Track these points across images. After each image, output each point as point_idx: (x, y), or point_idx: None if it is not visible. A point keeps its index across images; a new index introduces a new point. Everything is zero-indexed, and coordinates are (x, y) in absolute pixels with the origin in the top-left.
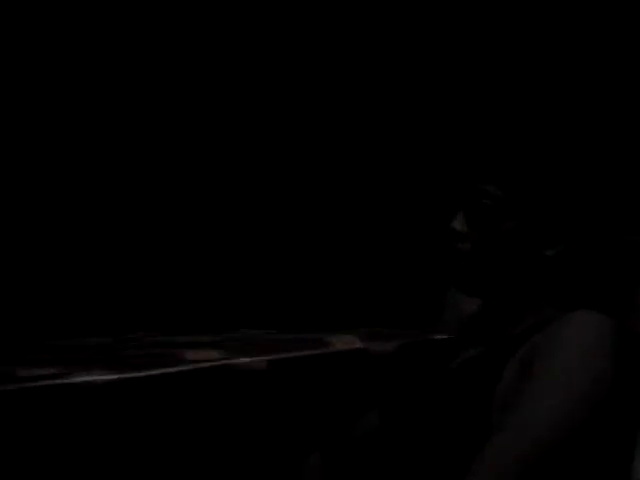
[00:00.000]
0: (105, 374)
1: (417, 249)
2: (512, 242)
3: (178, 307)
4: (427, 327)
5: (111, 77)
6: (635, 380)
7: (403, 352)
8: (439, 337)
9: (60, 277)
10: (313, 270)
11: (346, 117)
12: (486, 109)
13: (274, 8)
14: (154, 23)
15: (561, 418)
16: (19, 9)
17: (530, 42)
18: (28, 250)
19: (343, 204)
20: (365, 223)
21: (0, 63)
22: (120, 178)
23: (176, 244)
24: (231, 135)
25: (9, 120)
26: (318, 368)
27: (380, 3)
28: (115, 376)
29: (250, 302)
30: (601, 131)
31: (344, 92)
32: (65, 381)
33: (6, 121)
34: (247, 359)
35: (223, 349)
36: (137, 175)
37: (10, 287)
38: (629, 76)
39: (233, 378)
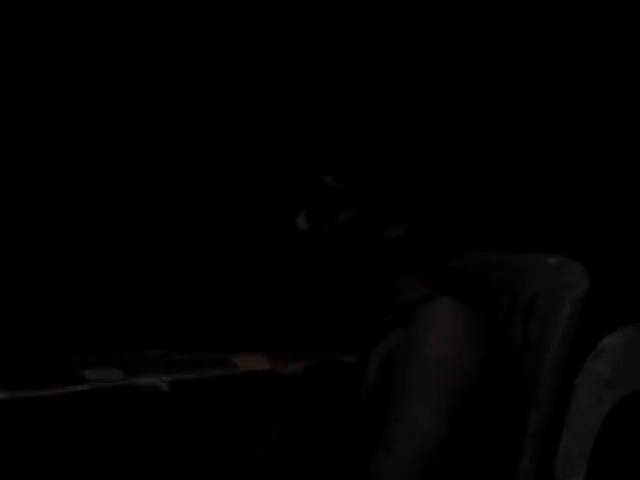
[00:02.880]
0: None
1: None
2: (353, 231)
3: (80, 327)
4: (330, 348)
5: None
6: (504, 363)
7: (310, 375)
8: (346, 360)
9: None
10: (212, 289)
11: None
12: (317, 99)
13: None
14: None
15: (438, 420)
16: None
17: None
18: None
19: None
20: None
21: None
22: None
23: (76, 263)
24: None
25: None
26: (223, 390)
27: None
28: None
29: (153, 322)
30: (427, 117)
31: None
32: None
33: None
34: (148, 379)
35: (124, 369)
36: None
37: None
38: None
39: (134, 399)
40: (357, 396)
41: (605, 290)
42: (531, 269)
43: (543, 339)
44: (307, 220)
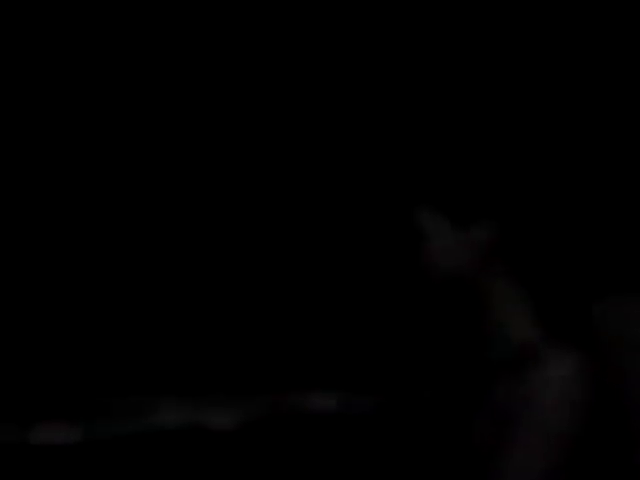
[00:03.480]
0: None
1: None
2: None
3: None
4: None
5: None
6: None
7: (382, 413)
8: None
9: None
10: (283, 329)
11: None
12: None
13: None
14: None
15: (543, 467)
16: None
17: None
18: None
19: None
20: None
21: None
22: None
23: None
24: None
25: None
26: (297, 430)
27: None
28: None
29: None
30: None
31: None
32: None
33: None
34: (219, 418)
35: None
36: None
37: None
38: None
39: (204, 438)
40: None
41: None
42: None
43: None
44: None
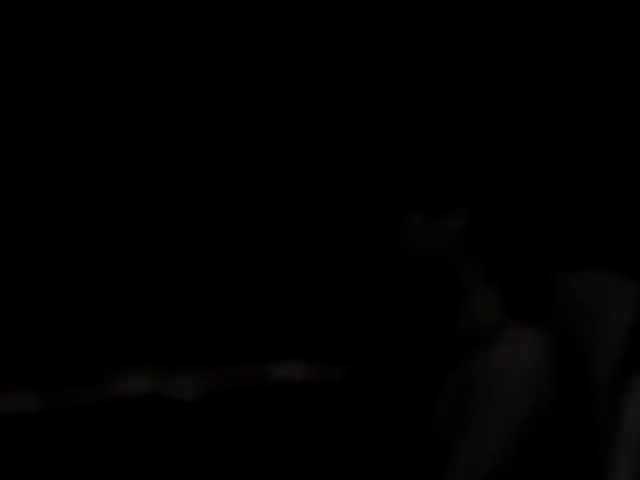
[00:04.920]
0: None
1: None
2: (419, 233)
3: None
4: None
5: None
6: (573, 388)
7: (345, 381)
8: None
9: None
10: (249, 294)
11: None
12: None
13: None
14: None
15: (503, 446)
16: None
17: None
18: None
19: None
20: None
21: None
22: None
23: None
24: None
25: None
26: (256, 402)
27: None
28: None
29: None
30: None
31: None
32: None
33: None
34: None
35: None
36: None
37: None
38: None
39: (164, 409)
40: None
41: None
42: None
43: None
44: (376, 231)
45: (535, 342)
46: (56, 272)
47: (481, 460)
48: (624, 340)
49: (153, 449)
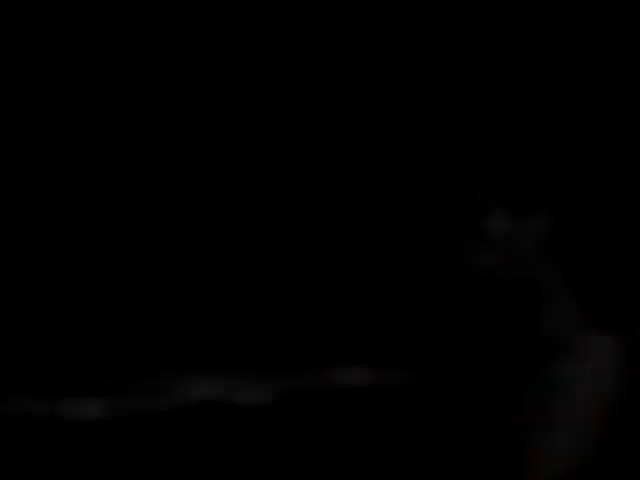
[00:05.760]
0: None
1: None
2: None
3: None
4: (437, 361)
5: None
6: None
7: (416, 388)
8: (454, 371)
9: None
10: (313, 301)
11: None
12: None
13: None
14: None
15: (580, 451)
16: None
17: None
18: None
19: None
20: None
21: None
22: None
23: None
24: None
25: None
26: (327, 405)
27: None
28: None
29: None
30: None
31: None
32: None
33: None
34: (248, 393)
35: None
36: None
37: None
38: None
39: (233, 414)
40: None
41: None
42: None
43: None
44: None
45: (615, 352)
46: (117, 277)
47: (557, 462)
48: None
49: (218, 456)
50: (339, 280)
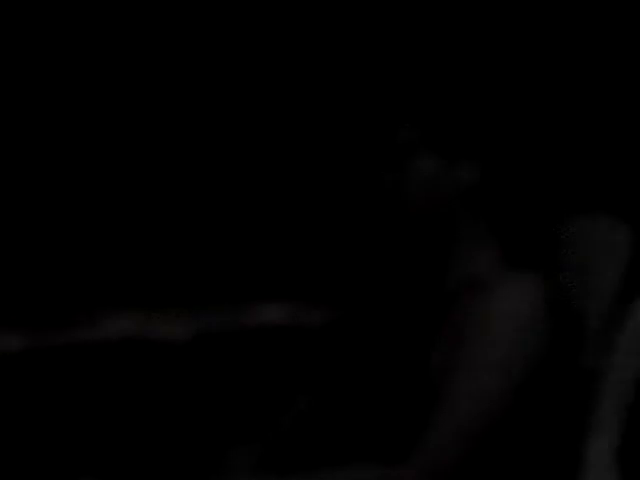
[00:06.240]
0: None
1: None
2: (431, 180)
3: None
4: (356, 298)
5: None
6: (569, 339)
7: (334, 325)
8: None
9: None
10: (234, 237)
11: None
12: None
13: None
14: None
15: (495, 393)
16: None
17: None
18: None
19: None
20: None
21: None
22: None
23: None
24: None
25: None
26: (241, 342)
27: None
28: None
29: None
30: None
31: None
32: None
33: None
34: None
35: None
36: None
37: None
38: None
39: (151, 349)
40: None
41: None
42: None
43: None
44: (388, 173)
45: (530, 287)
46: (45, 211)
47: (473, 400)
48: (614, 287)
49: (137, 390)
50: (263, 216)
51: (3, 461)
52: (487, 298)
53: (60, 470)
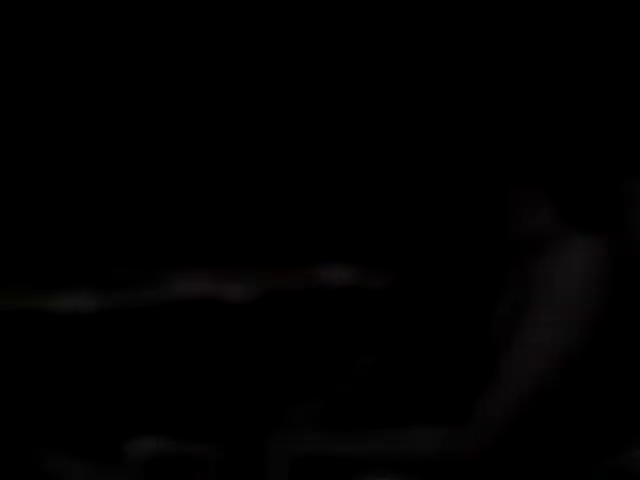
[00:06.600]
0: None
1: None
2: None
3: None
4: (420, 262)
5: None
6: (635, 304)
7: (399, 289)
8: (436, 273)
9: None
10: (299, 200)
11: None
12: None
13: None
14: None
15: (561, 351)
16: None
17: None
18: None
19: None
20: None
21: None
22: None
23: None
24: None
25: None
26: (311, 303)
27: None
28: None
29: (239, 234)
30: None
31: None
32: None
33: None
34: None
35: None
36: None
37: None
38: None
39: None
40: (487, 325)
41: None
42: None
43: None
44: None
45: (594, 247)
46: (107, 176)
47: (534, 358)
48: None
49: (205, 350)
50: (327, 182)
51: (74, 421)
52: (547, 261)
53: (127, 426)
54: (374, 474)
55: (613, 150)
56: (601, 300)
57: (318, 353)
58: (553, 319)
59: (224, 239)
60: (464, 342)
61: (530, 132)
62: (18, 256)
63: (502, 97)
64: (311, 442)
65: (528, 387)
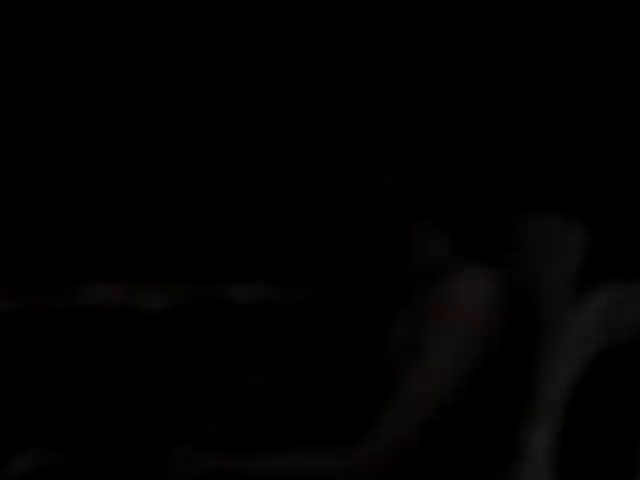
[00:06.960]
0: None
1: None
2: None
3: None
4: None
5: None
6: (521, 333)
7: (301, 307)
8: (337, 294)
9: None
10: (212, 217)
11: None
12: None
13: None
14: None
15: (448, 383)
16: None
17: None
18: None
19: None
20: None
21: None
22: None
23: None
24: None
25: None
26: (215, 318)
27: None
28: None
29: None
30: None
31: None
32: None
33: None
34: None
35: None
36: None
37: None
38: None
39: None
40: (355, 336)
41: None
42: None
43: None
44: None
45: (485, 279)
46: (31, 183)
47: (429, 390)
48: (565, 284)
49: (117, 358)
50: (236, 198)
51: None
52: (442, 291)
53: (25, 436)
54: None
55: (505, 190)
56: (488, 327)
57: (219, 368)
58: (440, 352)
59: (140, 249)
60: (355, 361)
61: (432, 171)
62: None
63: (402, 133)
64: (202, 461)
65: (430, 404)
